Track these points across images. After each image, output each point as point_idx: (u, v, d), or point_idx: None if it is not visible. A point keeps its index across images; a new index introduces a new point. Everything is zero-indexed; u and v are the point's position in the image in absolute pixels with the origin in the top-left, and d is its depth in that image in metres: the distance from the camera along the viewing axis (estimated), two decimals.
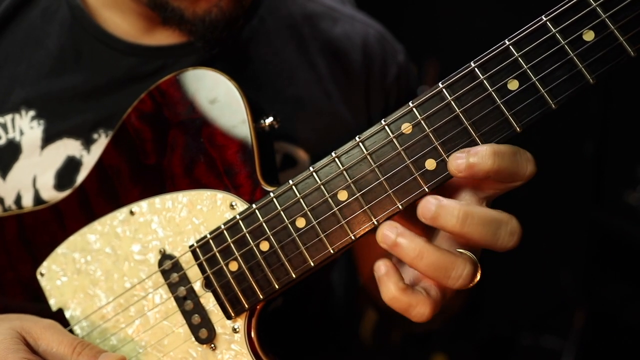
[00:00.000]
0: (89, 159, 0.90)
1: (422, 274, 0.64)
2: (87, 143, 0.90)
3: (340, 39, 1.03)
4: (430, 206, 0.61)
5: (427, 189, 0.65)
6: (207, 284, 0.75)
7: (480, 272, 0.64)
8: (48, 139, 0.90)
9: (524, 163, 0.61)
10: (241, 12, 0.86)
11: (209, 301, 0.75)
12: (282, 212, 0.71)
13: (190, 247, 0.76)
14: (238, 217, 0.73)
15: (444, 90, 0.65)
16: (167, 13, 0.83)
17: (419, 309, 0.63)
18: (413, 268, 0.63)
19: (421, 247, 0.61)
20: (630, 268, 2.21)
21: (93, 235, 0.81)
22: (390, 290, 0.63)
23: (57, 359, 0.71)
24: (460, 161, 0.61)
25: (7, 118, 0.91)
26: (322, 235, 0.69)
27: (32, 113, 0.91)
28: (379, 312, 1.15)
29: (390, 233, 0.62)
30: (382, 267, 0.64)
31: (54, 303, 0.82)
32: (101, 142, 0.90)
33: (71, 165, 0.90)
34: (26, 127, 0.90)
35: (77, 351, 0.71)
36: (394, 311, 0.98)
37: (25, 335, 0.71)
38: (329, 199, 0.69)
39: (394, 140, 0.66)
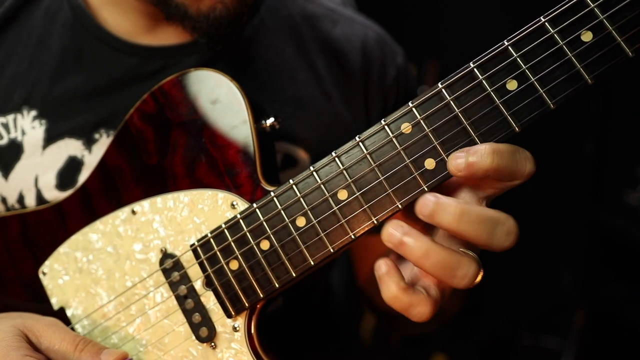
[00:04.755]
0: (91, 158, 0.90)
1: (427, 273, 0.63)
2: (89, 143, 0.91)
3: (339, 41, 1.04)
4: (428, 203, 0.61)
5: (426, 189, 0.65)
6: (208, 283, 0.76)
7: (482, 271, 0.64)
8: (50, 139, 0.91)
9: (523, 161, 0.61)
10: (245, 9, 0.86)
11: (209, 300, 0.76)
12: (282, 211, 0.71)
13: (191, 246, 0.76)
14: (239, 216, 0.73)
15: (443, 90, 0.65)
16: (171, 9, 0.83)
17: (420, 309, 0.63)
18: (419, 267, 0.62)
19: (427, 246, 0.60)
20: (630, 268, 2.21)
21: (95, 235, 0.81)
22: (391, 289, 0.63)
23: (59, 356, 0.72)
24: (459, 160, 0.61)
25: (9, 118, 0.91)
26: (322, 234, 0.69)
27: (33, 113, 0.91)
28: (377, 314, 1.15)
29: (396, 232, 0.61)
30: (383, 266, 0.63)
31: (55, 302, 0.83)
32: (102, 142, 0.90)
33: (72, 165, 0.90)
34: (28, 127, 0.91)
35: (80, 348, 0.71)
36: (391, 314, 0.99)
37: (27, 333, 0.72)
38: (329, 198, 0.69)
39: (394, 140, 0.67)
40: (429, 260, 0.60)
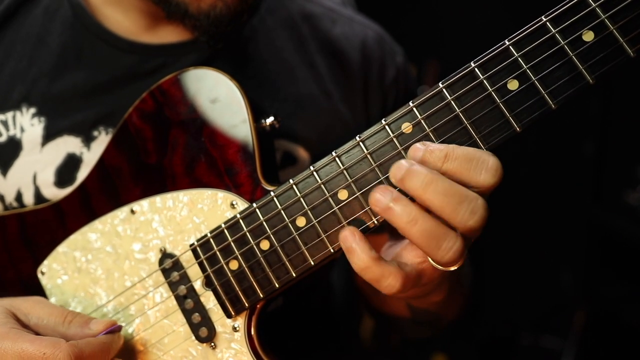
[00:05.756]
0: (89, 156, 0.90)
1: (412, 242, 0.62)
2: (87, 140, 0.91)
3: (339, 40, 1.04)
4: (402, 168, 0.61)
5: None
6: (208, 283, 0.76)
7: (465, 256, 0.63)
8: (48, 136, 0.91)
9: (476, 171, 0.60)
10: (246, 7, 0.86)
11: (209, 300, 0.76)
12: (282, 211, 0.71)
13: (191, 245, 0.76)
14: (238, 216, 0.73)
15: (444, 90, 0.65)
16: (172, 8, 0.83)
17: (390, 280, 0.62)
18: (405, 234, 0.61)
19: (416, 212, 0.60)
20: (630, 268, 2.21)
21: (94, 234, 0.81)
22: (362, 259, 0.62)
23: (49, 330, 0.73)
24: (418, 153, 0.62)
25: (8, 115, 0.91)
26: (323, 235, 0.69)
27: (32, 110, 0.91)
28: (374, 316, 1.15)
29: (384, 197, 0.61)
30: (349, 236, 0.63)
31: (54, 301, 0.82)
32: (101, 139, 0.90)
33: (71, 162, 0.90)
34: (27, 125, 0.91)
35: (68, 320, 0.73)
36: (388, 315, 0.98)
37: (15, 312, 0.73)
38: (330, 198, 0.69)
39: (394, 139, 0.66)
40: (416, 227, 0.60)
